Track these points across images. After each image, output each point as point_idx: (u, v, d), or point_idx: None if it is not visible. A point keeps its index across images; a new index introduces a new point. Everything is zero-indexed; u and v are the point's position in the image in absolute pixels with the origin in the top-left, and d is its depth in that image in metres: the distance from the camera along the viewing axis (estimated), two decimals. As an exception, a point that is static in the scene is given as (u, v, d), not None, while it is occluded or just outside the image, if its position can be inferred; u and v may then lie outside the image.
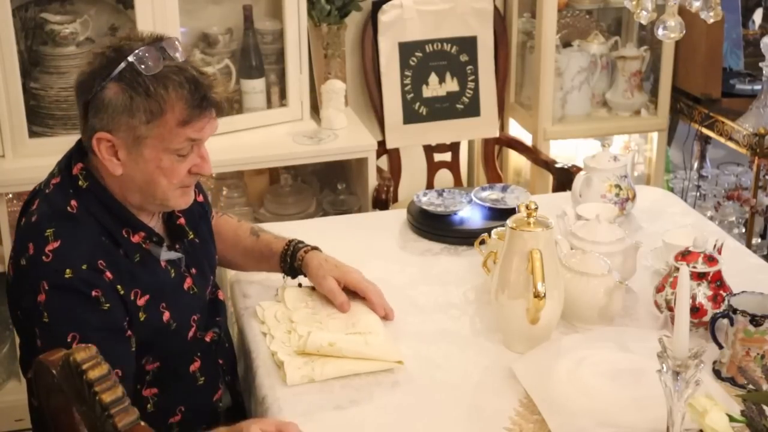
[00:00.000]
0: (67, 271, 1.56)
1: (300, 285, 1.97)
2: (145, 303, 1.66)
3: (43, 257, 1.58)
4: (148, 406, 1.72)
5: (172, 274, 1.73)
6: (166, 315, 1.69)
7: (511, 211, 2.21)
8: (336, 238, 2.19)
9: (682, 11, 1.97)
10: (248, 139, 3.00)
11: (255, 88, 3.07)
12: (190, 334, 1.75)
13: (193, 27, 3.05)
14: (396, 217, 2.40)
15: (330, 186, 3.34)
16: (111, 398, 1.24)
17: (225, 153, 2.89)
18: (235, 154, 2.91)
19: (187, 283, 1.76)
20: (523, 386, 1.66)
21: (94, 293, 1.57)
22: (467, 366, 1.76)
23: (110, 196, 1.65)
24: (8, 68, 2.69)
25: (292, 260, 1.94)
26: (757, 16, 3.63)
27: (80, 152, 1.68)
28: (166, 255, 1.73)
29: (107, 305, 1.59)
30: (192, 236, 1.81)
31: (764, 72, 3.10)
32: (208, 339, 1.81)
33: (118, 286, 1.61)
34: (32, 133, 2.80)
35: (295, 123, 3.10)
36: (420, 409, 1.64)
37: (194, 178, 1.69)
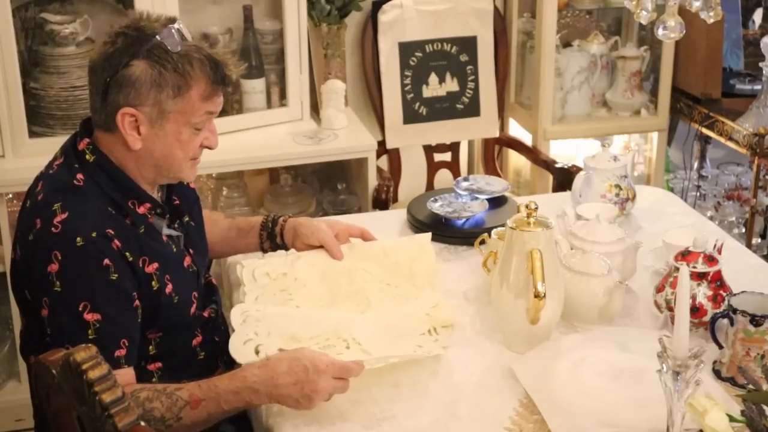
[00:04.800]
0: (78, 239, 1.61)
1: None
2: (155, 271, 1.72)
3: (53, 228, 1.63)
4: (153, 379, 1.76)
5: (174, 249, 1.80)
6: (169, 287, 1.75)
7: (500, 199, 2.35)
8: (336, 238, 2.19)
9: (682, 11, 1.97)
10: (248, 139, 3.00)
11: (255, 88, 3.07)
12: (192, 309, 1.82)
13: (193, 27, 3.03)
14: (396, 217, 2.40)
15: (330, 186, 3.34)
16: (111, 398, 1.24)
17: (225, 153, 2.87)
18: (235, 154, 2.91)
19: (187, 261, 1.83)
20: (523, 386, 1.66)
21: (105, 261, 1.63)
22: (467, 366, 1.76)
23: (117, 168, 1.72)
24: (8, 68, 2.69)
25: (273, 225, 2.04)
26: (757, 16, 3.63)
27: (85, 131, 1.75)
28: (167, 231, 1.80)
29: (116, 275, 1.64)
30: (187, 219, 1.88)
31: (764, 72, 3.10)
32: (206, 315, 1.88)
33: (127, 253, 1.66)
34: (32, 133, 2.80)
35: (295, 123, 3.10)
36: (420, 409, 1.64)
37: (202, 151, 1.77)
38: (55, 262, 1.61)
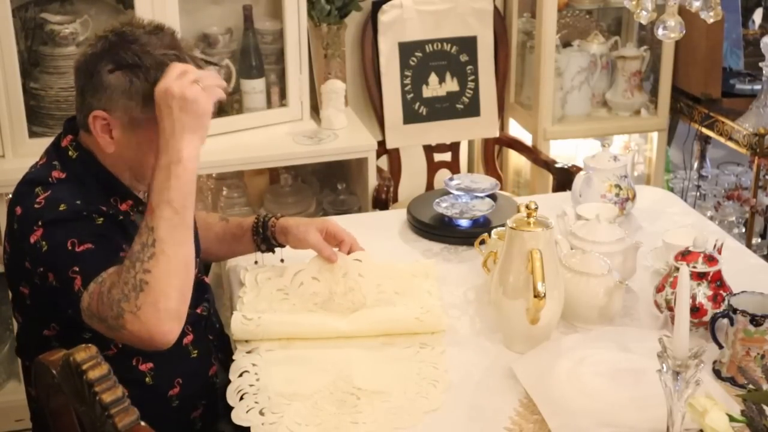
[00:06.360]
0: (61, 205, 1.61)
1: (282, 261, 2.04)
2: None
3: (35, 205, 1.63)
4: (147, 379, 1.75)
5: None
6: None
7: (491, 197, 2.35)
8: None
9: (682, 11, 1.97)
10: (248, 139, 3.00)
11: (255, 88, 3.07)
12: None
13: (193, 27, 3.05)
14: (396, 217, 2.40)
15: (330, 186, 3.34)
16: (111, 398, 1.24)
17: (225, 153, 2.89)
18: (235, 154, 2.91)
19: None
20: (523, 386, 1.66)
21: (91, 213, 1.62)
22: (467, 366, 1.76)
23: (100, 164, 1.71)
24: (8, 68, 2.69)
25: (264, 230, 2.02)
26: (757, 16, 3.63)
27: (69, 129, 1.74)
28: None
29: (101, 219, 1.63)
30: None
31: (764, 72, 3.10)
32: (198, 311, 1.86)
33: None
34: (32, 133, 2.80)
35: (295, 123, 3.10)
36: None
37: None
38: (39, 228, 1.60)
